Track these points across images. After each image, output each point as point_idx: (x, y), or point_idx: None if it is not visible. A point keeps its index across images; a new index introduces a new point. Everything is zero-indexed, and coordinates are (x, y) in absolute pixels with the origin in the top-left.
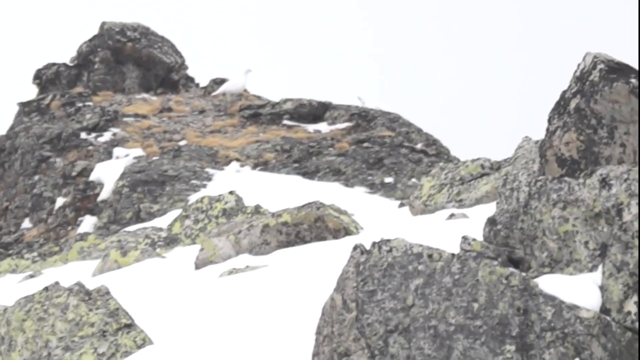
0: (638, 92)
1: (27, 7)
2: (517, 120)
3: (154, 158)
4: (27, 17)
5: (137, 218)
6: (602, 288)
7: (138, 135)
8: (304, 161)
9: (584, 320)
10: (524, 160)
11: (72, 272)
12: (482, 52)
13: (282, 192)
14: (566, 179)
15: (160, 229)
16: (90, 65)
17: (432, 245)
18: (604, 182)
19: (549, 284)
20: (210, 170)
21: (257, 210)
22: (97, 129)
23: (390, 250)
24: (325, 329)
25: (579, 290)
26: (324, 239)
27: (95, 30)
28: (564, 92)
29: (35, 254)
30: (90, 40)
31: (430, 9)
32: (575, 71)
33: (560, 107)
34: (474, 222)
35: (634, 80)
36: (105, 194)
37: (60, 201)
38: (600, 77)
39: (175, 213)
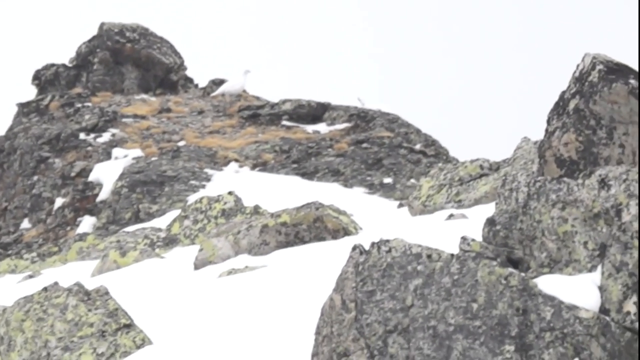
0: (637, 93)
1: (26, 8)
2: (516, 120)
3: (153, 158)
4: (26, 17)
5: (136, 218)
6: (601, 288)
7: (137, 135)
8: (302, 162)
9: (583, 321)
10: (523, 161)
11: (71, 272)
12: (482, 52)
13: (281, 193)
14: (565, 179)
15: (159, 230)
16: (89, 66)
17: (431, 246)
18: (603, 183)
19: (548, 284)
20: (209, 171)
21: (256, 210)
22: (96, 129)
23: (389, 251)
24: (325, 329)
25: (578, 290)
26: (323, 239)
27: (94, 31)
28: (563, 92)
29: (34, 254)
30: (89, 41)
31: (430, 9)
32: (574, 72)
33: (559, 108)
34: (473, 222)
35: (633, 81)
36: (104, 194)
37: (59, 201)
38: (600, 77)
39: (174, 213)
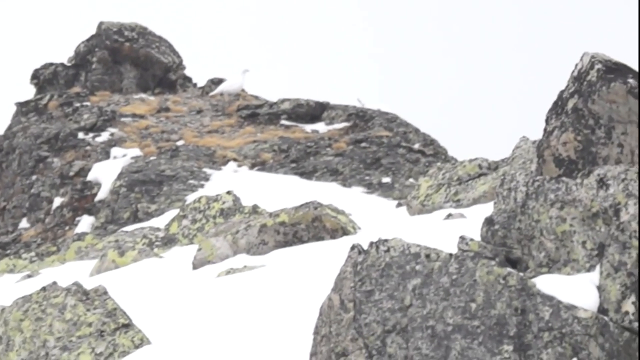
0: (636, 92)
1: (25, 7)
2: (515, 120)
3: (152, 158)
4: (25, 17)
5: (135, 218)
6: (600, 288)
7: (135, 135)
8: (301, 161)
9: (582, 320)
10: (521, 160)
11: (70, 272)
12: (480, 52)
13: (280, 192)
14: (564, 179)
15: (158, 229)
16: (88, 65)
17: (429, 245)
18: (602, 182)
19: (547, 284)
20: (207, 170)
21: (255, 210)
22: (95, 129)
23: (387, 250)
24: (323, 328)
25: (577, 290)
26: (321, 238)
27: (92, 30)
28: (562, 92)
29: (32, 253)
30: (87, 40)
31: (430, 9)
32: (573, 71)
33: (558, 107)
34: (471, 222)
35: (631, 81)
36: (102, 194)
37: (57, 201)
38: (598, 77)
39: (172, 213)
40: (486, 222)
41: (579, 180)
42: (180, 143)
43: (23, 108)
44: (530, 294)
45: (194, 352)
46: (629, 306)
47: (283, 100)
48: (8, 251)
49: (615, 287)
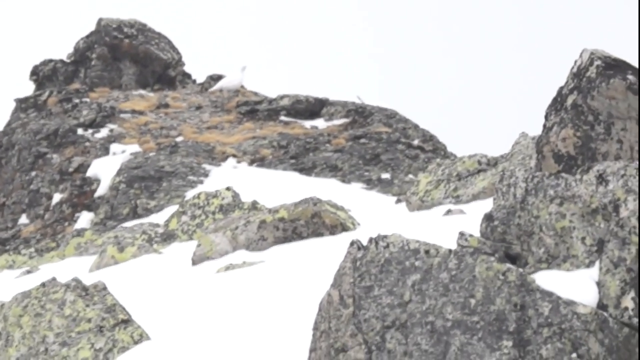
0: (638, 88)
1: (24, 4)
2: (514, 116)
3: (151, 154)
4: (24, 13)
5: (134, 214)
6: (599, 284)
7: (135, 131)
8: (300, 157)
9: (581, 316)
10: (520, 156)
11: (69, 267)
12: (480, 49)
13: (279, 188)
14: (563, 175)
15: (157, 225)
16: (87, 62)
17: (429, 241)
18: (601, 178)
19: (546, 279)
20: (207, 166)
21: (254, 206)
22: (94, 125)
23: (387, 246)
24: (323, 324)
25: (576, 286)
26: (320, 234)
27: (92, 27)
28: (561, 88)
29: (32, 249)
30: (87, 36)
31: (430, 9)
32: (572, 67)
33: (557, 104)
34: (471, 218)
35: (630, 77)
36: (102, 190)
37: (57, 197)
38: (597, 73)
39: (172, 209)
40: (485, 218)
41: (578, 176)
42: (179, 139)
43: (22, 104)
44: (530, 290)
45: (193, 348)
46: (628, 302)
47: (282, 97)
48: (7, 247)
49: (615, 282)
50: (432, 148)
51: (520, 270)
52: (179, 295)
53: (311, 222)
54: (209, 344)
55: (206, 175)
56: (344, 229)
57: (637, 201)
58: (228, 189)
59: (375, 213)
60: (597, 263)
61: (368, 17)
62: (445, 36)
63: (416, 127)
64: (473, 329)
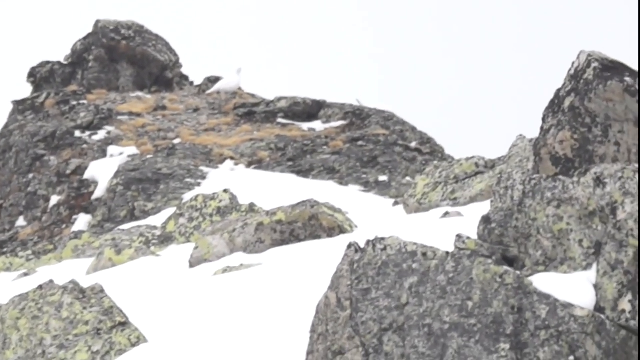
0: (633, 91)
1: (22, 6)
2: (512, 118)
3: (148, 156)
4: (22, 15)
5: (132, 216)
6: (597, 286)
7: (132, 133)
8: (298, 159)
9: (579, 319)
10: (518, 159)
11: (67, 270)
12: (477, 52)
13: (277, 191)
14: (560, 177)
15: (155, 227)
16: (85, 64)
17: (426, 244)
18: (599, 181)
19: (544, 282)
20: (204, 169)
21: (252, 208)
22: (92, 127)
23: (384, 249)
24: (320, 327)
25: (574, 288)
26: (318, 237)
27: (89, 29)
28: (559, 90)
29: (29, 252)
30: (84, 38)
31: (431, 9)
32: (570, 69)
33: (555, 106)
34: (468, 220)
35: (628, 79)
36: (99, 192)
37: (54, 199)
38: (595, 75)
39: (169, 211)
40: (483, 220)
41: (575, 179)
42: (177, 141)
43: (20, 106)
44: (527, 293)
45: (190, 351)
46: (625, 304)
47: (280, 99)
48: (5, 249)
49: (612, 285)
50: (430, 150)
51: (518, 272)
52: (177, 297)
53: (309, 225)
54: (207, 347)
55: (204, 177)
56: (342, 231)
57: (635, 204)
58: (225, 191)
59: (372, 215)
60: (594, 265)
61: (368, 17)
62: (445, 36)
63: (414, 129)
64: (470, 332)
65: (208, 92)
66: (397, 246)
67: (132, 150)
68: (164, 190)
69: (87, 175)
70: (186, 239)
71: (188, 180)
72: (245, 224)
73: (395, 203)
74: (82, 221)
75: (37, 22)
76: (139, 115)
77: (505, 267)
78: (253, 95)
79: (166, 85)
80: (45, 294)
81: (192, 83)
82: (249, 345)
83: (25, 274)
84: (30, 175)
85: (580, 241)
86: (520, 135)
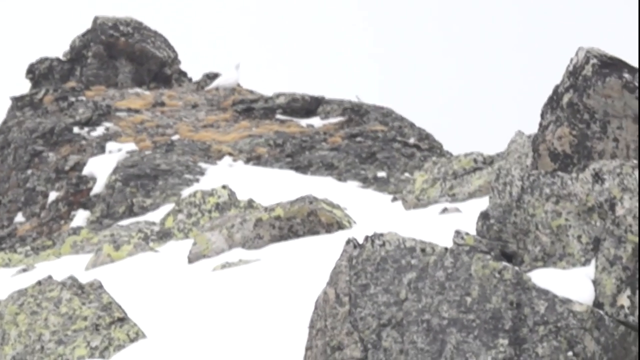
0: (634, 87)
1: (20, 2)
2: (510, 114)
3: (147, 152)
4: (20, 11)
5: (130, 212)
6: (595, 282)
7: (131, 129)
8: (296, 155)
9: (577, 314)
10: (516, 155)
11: (65, 266)
12: (475, 48)
13: (275, 187)
14: (559, 173)
15: (153, 223)
16: (83, 60)
17: (425, 240)
18: (597, 177)
19: (542, 278)
20: (203, 165)
21: (250, 204)
22: (90, 123)
23: (383, 245)
24: (318, 322)
25: (572, 284)
26: (316, 233)
27: (88, 25)
28: (557, 86)
29: (28, 248)
30: (83, 35)
31: (431, 9)
32: (568, 66)
33: (553, 102)
34: (467, 216)
35: (627, 75)
36: (98, 188)
37: (53, 195)
38: (593, 71)
39: (168, 207)
40: (481, 216)
41: (574, 175)
42: (175, 137)
43: (18, 102)
44: (526, 288)
45: (189, 346)
46: (624, 300)
47: (278, 95)
48: (3, 245)
49: (611, 281)
50: (428, 146)
51: (516, 268)
52: (175, 293)
53: (307, 221)
54: (205, 342)
55: (202, 173)
56: (340, 227)
57: (633, 200)
58: (224, 187)
59: (371, 211)
60: (593, 261)
61: (368, 17)
62: (444, 33)
63: (412, 125)
64: (469, 327)
65: (207, 88)
66: (395, 242)
67: (131, 146)
68: (163, 186)
69: (86, 171)
70: (185, 235)
71: (186, 176)
72: (243, 220)
73: (394, 199)
74: (81, 217)
75: (36, 19)
76: (137, 111)
77: (504, 263)
78: (252, 92)
79: (165, 82)
80: (44, 290)
81: (190, 79)
82: (248, 340)
83: (24, 270)
84: (29, 172)
85: (579, 237)
86: (519, 131)
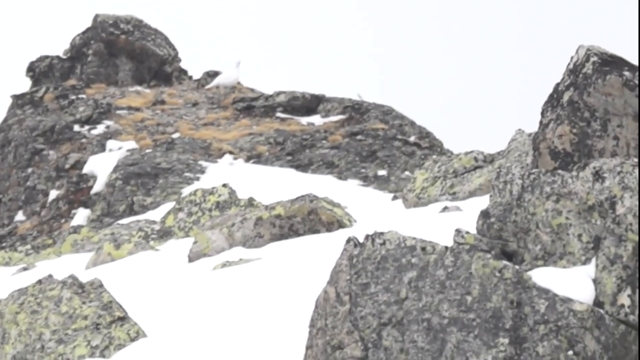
0: (634, 85)
1: (20, 2)
2: (511, 113)
3: (147, 151)
4: (21, 9)
5: (131, 211)
6: (596, 281)
7: (131, 127)
8: (297, 154)
9: (578, 313)
10: (517, 153)
11: (66, 264)
12: (476, 46)
13: (276, 185)
14: (559, 171)
15: (154, 222)
16: (84, 58)
17: (425, 238)
18: (597, 175)
19: (543, 276)
20: (203, 163)
21: (251, 203)
22: (91, 121)
23: (383, 243)
24: (319, 321)
25: (573, 283)
26: (317, 231)
27: (88, 23)
28: (557, 84)
29: (28, 246)
30: (83, 32)
31: (430, 9)
32: (569, 64)
33: (554, 100)
34: (467, 215)
35: (627, 73)
36: (98, 186)
37: (53, 194)
38: (594, 69)
39: (168, 206)
40: (482, 215)
41: (574, 173)
42: (175, 136)
43: (19, 100)
44: (526, 287)
45: (189, 345)
46: (624, 299)
47: (279, 93)
48: (4, 244)
49: (611, 280)
50: (429, 145)
51: (517, 267)
52: (176, 292)
53: (308, 219)
54: (206, 341)
55: (202, 172)
56: (341, 225)
57: (634, 198)
58: (224, 185)
59: (371, 210)
60: (593, 260)
61: (368, 16)
62: (444, 31)
63: (412, 123)
64: (469, 326)
65: (207, 86)
66: (396, 241)
67: (131, 144)
68: (163, 184)
69: (86, 169)
70: (185, 234)
71: (187, 174)
72: (244, 219)
73: (394, 197)
74: (81, 216)
75: (36, 17)
76: (137, 109)
77: (504, 262)
78: (252, 90)
79: (165, 80)
80: (45, 289)
81: (191, 77)
82: (248, 339)
83: (25, 269)
84: (29, 170)
85: (579, 236)
86: (519, 129)
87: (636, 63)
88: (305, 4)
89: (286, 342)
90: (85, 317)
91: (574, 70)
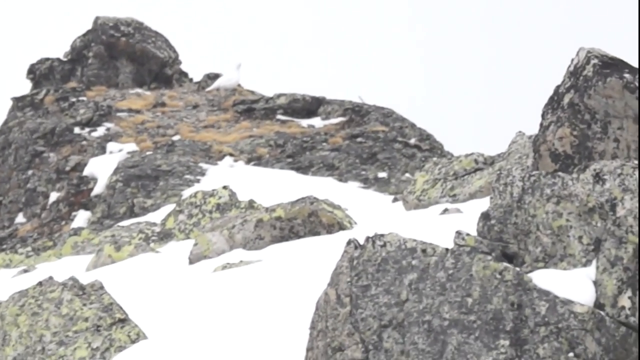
0: (634, 87)
1: (21, 2)
2: (511, 115)
3: (148, 153)
4: (21, 11)
5: (131, 213)
6: (596, 283)
7: (132, 130)
8: (297, 156)
9: (578, 315)
10: (517, 155)
11: (66, 266)
12: (476, 48)
13: (276, 187)
14: (560, 174)
15: (154, 224)
16: (84, 60)
17: (425, 240)
18: (598, 177)
19: (543, 278)
20: (203, 165)
21: (251, 205)
22: (91, 123)
23: (384, 245)
24: (319, 323)
25: (573, 285)
26: (317, 233)
27: (88, 25)
28: (558, 87)
29: (29, 248)
30: (83, 35)
31: (431, 8)
32: (569, 66)
33: (554, 102)
34: (467, 217)
35: (627, 75)
36: (98, 188)
37: (54, 196)
38: (594, 72)
39: (169, 208)
40: (482, 217)
41: (575, 175)
42: (176, 138)
43: (19, 103)
44: (527, 289)
45: (190, 347)
46: (625, 301)
47: (279, 95)
48: (4, 246)
49: (612, 282)
50: (429, 147)
51: (517, 269)
52: (176, 294)
53: (308, 221)
54: (206, 343)
55: (203, 174)
56: (341, 227)
57: (634, 200)
58: (225, 187)
59: (372, 212)
60: (594, 262)
61: (368, 17)
62: (444, 33)
63: (413, 126)
64: (470, 328)
65: (207, 88)
66: (396, 243)
67: (132, 146)
68: (164, 186)
69: (87, 171)
70: (185, 236)
71: (187, 176)
72: (244, 221)
73: (395, 199)
74: (82, 218)
75: (37, 19)
76: (138, 111)
77: (505, 264)
78: (252, 92)
79: (165, 82)
80: (45, 291)
81: (191, 80)
82: (249, 341)
83: (25, 271)
84: (30, 172)
85: (580, 238)
86: (520, 131)
87: (636, 65)
88: (306, 5)
89: (287, 344)
90: (86, 319)
91: (575, 73)
